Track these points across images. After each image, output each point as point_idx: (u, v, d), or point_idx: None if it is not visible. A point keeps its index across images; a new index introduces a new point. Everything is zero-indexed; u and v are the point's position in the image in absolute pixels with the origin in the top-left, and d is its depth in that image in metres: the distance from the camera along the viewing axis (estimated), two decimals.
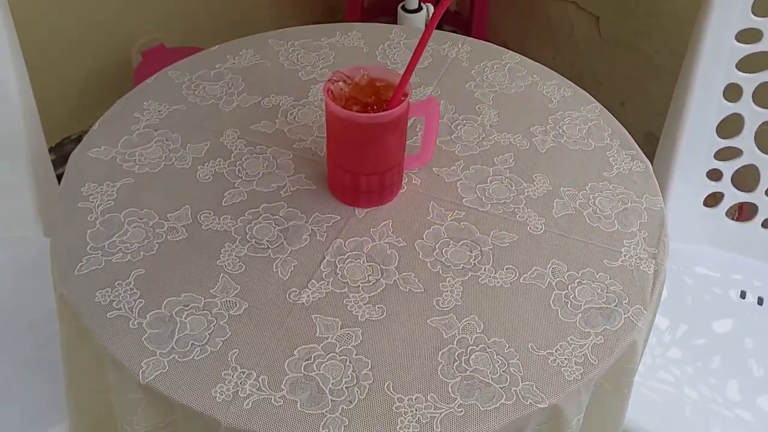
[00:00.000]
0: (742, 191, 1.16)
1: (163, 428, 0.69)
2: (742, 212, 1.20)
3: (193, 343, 0.67)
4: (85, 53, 1.57)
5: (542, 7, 1.64)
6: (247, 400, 0.63)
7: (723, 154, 1.14)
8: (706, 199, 1.18)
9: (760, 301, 1.14)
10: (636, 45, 1.55)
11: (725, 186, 1.16)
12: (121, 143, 0.85)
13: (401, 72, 0.73)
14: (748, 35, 1.05)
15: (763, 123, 1.10)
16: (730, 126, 1.12)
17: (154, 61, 1.55)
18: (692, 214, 1.18)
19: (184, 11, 1.66)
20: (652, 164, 0.88)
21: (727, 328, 1.10)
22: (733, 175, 1.15)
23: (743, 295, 1.14)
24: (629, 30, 1.56)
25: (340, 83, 0.74)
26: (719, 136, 1.12)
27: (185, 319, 0.69)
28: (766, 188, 1.14)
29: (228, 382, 0.64)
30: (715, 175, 1.16)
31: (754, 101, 1.09)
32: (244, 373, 0.65)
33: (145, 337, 0.67)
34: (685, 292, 1.13)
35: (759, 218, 1.17)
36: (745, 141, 1.12)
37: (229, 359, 0.66)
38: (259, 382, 0.65)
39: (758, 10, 1.03)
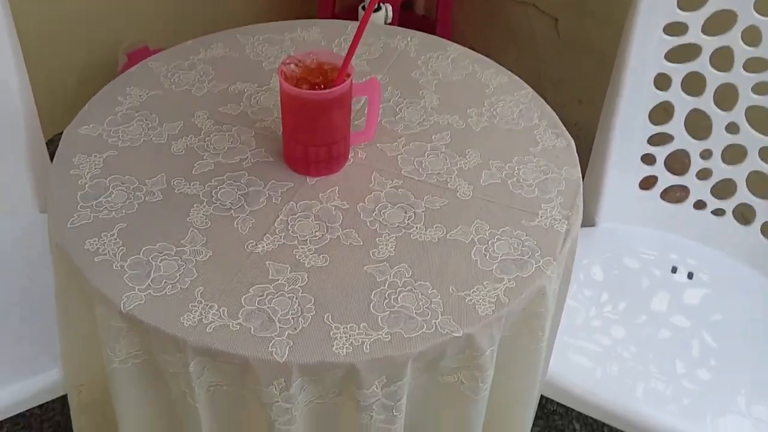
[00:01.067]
0: (676, 174, 1.28)
1: (141, 355, 0.81)
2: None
3: (165, 281, 0.79)
4: (75, 56, 1.70)
5: (503, 11, 1.76)
6: (210, 325, 0.76)
7: (656, 140, 1.26)
8: (641, 182, 1.30)
9: (691, 277, 1.25)
10: (593, 46, 1.67)
11: (659, 170, 1.28)
12: (107, 122, 0.97)
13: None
14: (674, 28, 1.17)
15: (691, 110, 1.22)
16: (661, 113, 1.24)
17: (139, 61, 1.68)
18: (629, 196, 1.29)
19: (167, 14, 1.79)
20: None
21: (660, 303, 1.21)
22: (666, 160, 1.27)
23: (674, 270, 1.25)
24: (586, 31, 1.68)
25: (292, 65, 0.87)
26: (651, 122, 1.24)
27: (159, 263, 0.81)
28: (696, 171, 1.26)
29: (194, 312, 0.76)
30: (649, 159, 1.28)
31: (682, 89, 1.21)
32: (207, 305, 0.77)
33: (126, 276, 0.79)
34: (624, 270, 1.25)
35: (690, 199, 1.29)
36: (675, 127, 1.24)
37: (195, 294, 0.78)
38: (220, 312, 0.77)
39: (684, 5, 1.15)
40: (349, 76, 0.86)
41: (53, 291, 0.91)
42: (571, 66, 1.71)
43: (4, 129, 1.17)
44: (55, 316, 0.93)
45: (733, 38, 1.15)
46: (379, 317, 0.78)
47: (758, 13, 1.12)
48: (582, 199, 0.93)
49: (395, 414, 0.80)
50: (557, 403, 1.32)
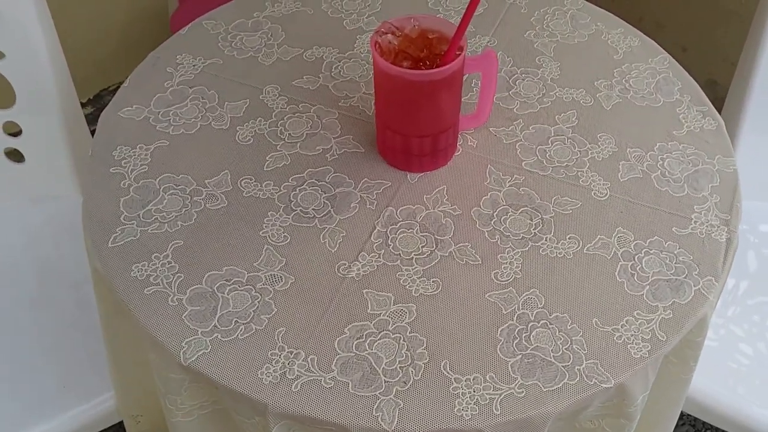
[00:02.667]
0: None
1: (209, 406, 0.67)
2: None
3: (236, 321, 0.63)
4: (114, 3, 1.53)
5: None
6: (296, 381, 0.60)
7: None
8: None
9: None
10: None
11: None
12: (154, 102, 0.80)
13: (456, 22, 0.67)
14: None
15: None
16: None
17: (191, 7, 1.49)
18: (763, 170, 1.10)
19: None
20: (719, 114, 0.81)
21: None
22: None
23: None
24: None
25: (389, 35, 0.68)
26: None
27: (227, 294, 0.65)
28: None
29: (275, 363, 0.61)
30: None
31: None
32: (291, 353, 0.61)
33: (185, 314, 0.64)
34: (749, 250, 1.06)
35: None
36: None
37: (275, 338, 0.62)
38: (307, 362, 0.61)
39: None
40: (461, 50, 0.67)
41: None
42: (675, 8, 1.49)
43: (34, 101, 1.01)
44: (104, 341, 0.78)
45: None
46: (509, 363, 0.62)
47: None
48: (741, 197, 0.75)
49: None
50: None
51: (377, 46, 0.68)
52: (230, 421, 0.66)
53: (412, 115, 0.70)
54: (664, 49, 0.87)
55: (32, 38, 0.98)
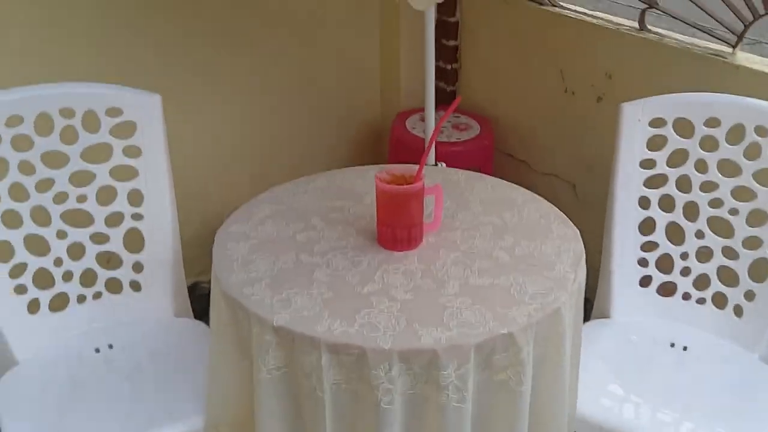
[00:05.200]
0: (665, 273, 1.65)
1: (282, 368, 1.16)
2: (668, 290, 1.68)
3: (303, 309, 1.17)
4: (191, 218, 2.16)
5: (531, 181, 2.22)
6: (336, 330, 1.12)
7: (647, 247, 1.65)
8: (640, 281, 1.67)
9: (685, 349, 1.58)
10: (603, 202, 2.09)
11: (652, 270, 1.66)
12: (249, 223, 1.40)
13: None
14: (647, 164, 1.61)
15: (669, 222, 1.62)
16: (648, 227, 1.64)
17: None
18: (632, 293, 1.66)
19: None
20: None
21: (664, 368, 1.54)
22: (656, 262, 1.65)
23: (672, 345, 1.59)
24: (599, 192, 2.10)
25: (385, 174, 1.30)
26: (641, 234, 1.64)
27: (296, 299, 1.19)
28: (679, 269, 1.64)
29: (324, 324, 1.13)
30: (643, 263, 1.66)
31: (659, 208, 1.62)
32: (333, 320, 1.14)
33: (274, 307, 1.17)
34: (634, 346, 1.58)
35: (678, 292, 1.65)
36: (659, 236, 1.63)
37: (324, 316, 1.15)
38: (341, 323, 1.13)
39: (651, 146, 1.60)
40: (422, 178, 1.29)
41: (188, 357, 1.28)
42: (588, 219, 2.12)
43: (154, 252, 1.61)
44: (207, 367, 1.29)
45: (688, 168, 1.58)
46: (450, 324, 1.14)
47: (702, 149, 1.56)
48: (585, 262, 1.31)
49: (464, 395, 1.12)
50: None
51: (378, 179, 1.30)
52: (294, 379, 1.15)
53: (397, 214, 1.29)
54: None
55: (164, 209, 1.60)
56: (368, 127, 2.52)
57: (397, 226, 1.30)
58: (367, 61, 2.48)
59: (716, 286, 1.61)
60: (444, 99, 2.39)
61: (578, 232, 1.39)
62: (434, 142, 1.30)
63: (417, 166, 1.30)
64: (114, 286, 1.62)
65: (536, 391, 1.21)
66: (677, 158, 1.59)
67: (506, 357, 1.15)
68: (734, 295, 1.59)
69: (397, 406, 1.13)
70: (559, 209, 1.46)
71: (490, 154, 2.29)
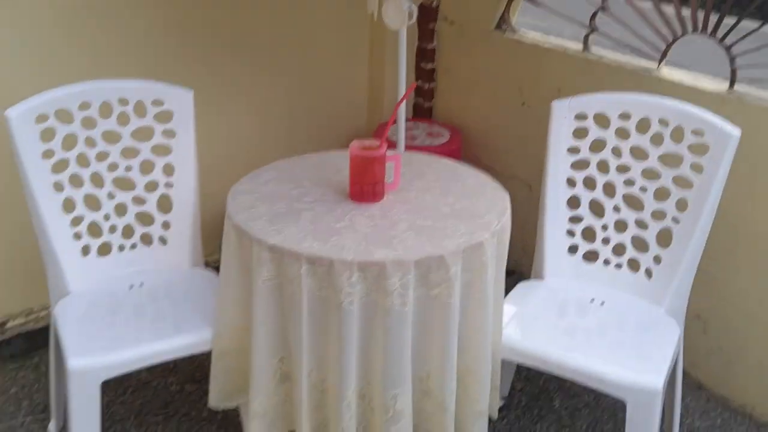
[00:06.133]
0: (589, 242, 2.04)
1: (273, 279, 1.56)
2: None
3: (291, 235, 1.58)
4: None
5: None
6: (314, 246, 1.53)
7: (573, 220, 2.04)
8: (568, 249, 2.05)
9: (602, 303, 1.96)
10: None
11: (578, 240, 2.05)
12: (255, 183, 1.82)
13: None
14: (572, 150, 2.01)
15: (591, 199, 2.02)
16: (573, 203, 2.04)
17: None
18: (562, 259, 2.05)
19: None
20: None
21: (583, 315, 1.92)
22: (582, 233, 2.04)
23: (592, 300, 1.97)
24: None
25: (357, 142, 1.72)
26: (569, 209, 2.04)
27: (286, 228, 1.60)
28: (601, 239, 2.03)
29: (307, 243, 1.54)
30: (571, 233, 2.05)
31: (584, 186, 2.02)
32: (314, 242, 1.55)
33: (269, 233, 1.58)
34: (561, 301, 1.97)
35: (600, 259, 2.03)
36: (583, 211, 2.03)
37: (308, 239, 1.56)
38: (318, 244, 1.54)
39: (576, 135, 2.00)
40: (384, 146, 1.71)
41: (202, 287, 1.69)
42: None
43: (179, 212, 2.03)
44: (217, 288, 1.70)
45: (606, 153, 1.99)
46: (397, 247, 1.54)
47: (617, 138, 1.97)
48: (510, 217, 1.71)
49: (406, 301, 1.52)
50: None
51: (352, 147, 1.71)
52: (281, 287, 1.56)
53: (365, 173, 1.71)
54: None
55: (190, 180, 2.03)
56: (355, 133, 2.96)
57: (364, 183, 1.72)
58: (356, 80, 2.95)
59: (630, 252, 2.00)
60: (422, 113, 2.84)
61: (507, 195, 1.79)
62: (396, 112, 1.75)
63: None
64: (146, 239, 2.04)
65: (464, 309, 1.61)
66: (597, 146, 1.99)
67: (438, 275, 1.55)
68: (645, 259, 1.97)
69: (356, 308, 1.53)
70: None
71: (457, 158, 2.70)
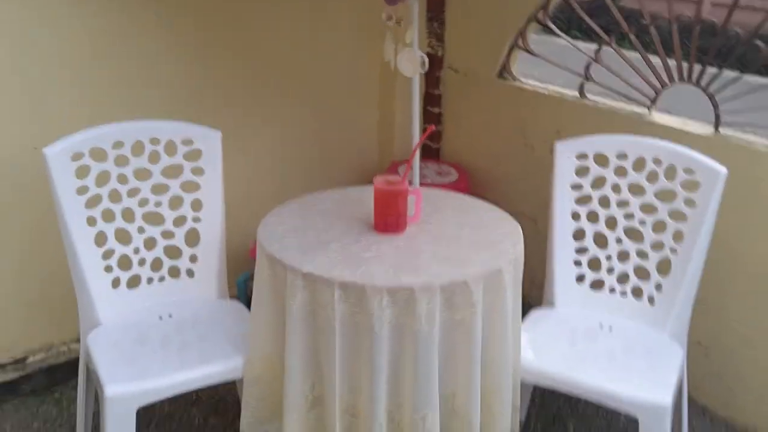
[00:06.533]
0: (595, 271, 2.17)
1: (307, 306, 1.66)
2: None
3: (323, 264, 1.69)
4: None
5: None
6: (344, 274, 1.64)
7: (579, 252, 2.17)
8: (576, 278, 2.18)
9: (610, 329, 2.07)
10: None
11: (585, 269, 2.17)
12: (282, 216, 1.93)
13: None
14: (576, 187, 2.15)
15: (595, 232, 2.15)
16: (579, 235, 2.17)
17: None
18: (570, 287, 2.17)
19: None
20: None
21: (593, 341, 2.04)
22: (588, 263, 2.17)
23: (601, 326, 2.08)
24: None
25: (381, 178, 1.85)
26: (575, 240, 2.17)
27: (317, 259, 1.71)
28: (606, 268, 2.15)
29: (338, 270, 1.65)
30: (578, 263, 2.18)
31: (587, 220, 2.15)
32: (345, 270, 1.66)
33: (302, 262, 1.69)
34: (572, 327, 2.08)
35: (606, 287, 2.16)
36: (588, 242, 2.16)
37: (337, 266, 1.67)
38: (349, 271, 1.65)
39: (579, 173, 2.14)
40: (406, 181, 1.83)
41: (222, 319, 1.79)
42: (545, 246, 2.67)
43: (207, 246, 2.14)
44: (250, 315, 1.80)
45: (606, 190, 2.13)
46: (423, 274, 1.66)
47: (616, 176, 2.11)
48: (523, 246, 1.84)
49: (433, 324, 1.62)
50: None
51: (376, 182, 1.84)
52: (315, 312, 1.66)
53: (389, 207, 1.83)
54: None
55: (216, 215, 2.14)
56: (368, 172, 3.10)
57: (388, 215, 1.84)
58: (367, 122, 3.10)
59: (633, 281, 2.12)
60: (430, 154, 2.98)
61: (519, 226, 1.92)
62: (416, 152, 1.88)
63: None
64: (174, 272, 2.14)
65: (486, 331, 1.72)
66: (598, 182, 2.14)
67: (462, 299, 1.66)
68: (647, 287, 2.10)
69: (386, 332, 1.63)
70: (524, 239, 1.92)
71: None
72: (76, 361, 2.53)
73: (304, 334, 1.70)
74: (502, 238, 1.85)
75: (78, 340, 2.54)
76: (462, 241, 1.83)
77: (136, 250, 2.09)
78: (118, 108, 2.39)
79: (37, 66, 2.26)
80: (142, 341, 1.96)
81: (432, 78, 2.98)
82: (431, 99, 3.01)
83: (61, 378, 2.53)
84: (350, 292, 1.63)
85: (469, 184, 2.85)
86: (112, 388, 1.77)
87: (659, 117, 2.42)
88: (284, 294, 1.70)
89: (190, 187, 2.12)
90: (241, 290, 2.76)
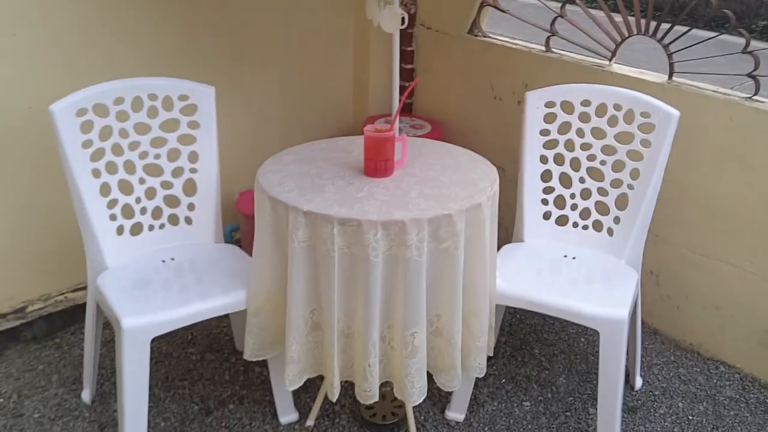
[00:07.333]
0: (560, 209, 2.39)
1: (308, 241, 1.84)
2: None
3: (322, 202, 1.86)
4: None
5: None
6: (342, 210, 1.82)
7: (546, 191, 2.39)
8: (543, 215, 2.40)
9: (574, 258, 2.30)
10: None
11: (551, 207, 2.39)
12: (278, 165, 2.10)
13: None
14: (544, 132, 2.36)
15: (561, 173, 2.36)
16: (546, 176, 2.38)
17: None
18: (538, 224, 2.39)
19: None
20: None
21: (558, 267, 2.26)
22: (554, 201, 2.38)
23: (565, 256, 2.31)
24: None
25: (370, 127, 2.02)
26: (542, 181, 2.38)
27: (315, 198, 1.88)
28: (570, 206, 2.37)
29: (335, 209, 1.83)
30: (544, 202, 2.39)
31: (554, 162, 2.36)
32: (341, 208, 1.84)
33: (303, 201, 1.86)
34: (540, 257, 2.30)
35: (569, 223, 2.38)
36: (554, 183, 2.37)
37: (334, 204, 1.85)
38: (345, 209, 1.83)
39: (547, 120, 2.34)
40: (393, 129, 2.01)
41: (229, 259, 1.96)
42: (512, 192, 2.88)
43: (203, 195, 2.29)
44: (252, 254, 1.97)
45: (571, 134, 2.34)
46: (412, 209, 1.84)
47: (580, 121, 2.32)
48: (498, 185, 2.04)
49: (422, 253, 1.82)
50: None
51: (366, 129, 2.01)
52: (314, 248, 1.84)
53: (377, 151, 2.00)
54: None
55: (212, 166, 2.29)
56: (345, 126, 3.26)
57: (377, 160, 2.02)
58: (343, 79, 3.26)
59: (594, 215, 2.35)
60: (404, 109, 3.15)
61: (495, 168, 2.12)
62: (403, 102, 2.06)
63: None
64: (173, 219, 2.29)
65: (467, 259, 1.92)
66: (564, 128, 2.34)
67: (447, 231, 1.85)
68: (607, 221, 2.33)
69: (380, 261, 1.82)
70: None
71: None
72: (74, 309, 2.70)
73: (305, 266, 1.88)
74: (480, 178, 2.04)
75: (74, 290, 2.71)
76: (444, 181, 2.02)
77: (138, 200, 2.23)
78: (118, 67, 2.52)
79: (28, 29, 2.37)
80: (149, 281, 2.12)
81: (405, 35, 3.13)
82: (404, 55, 3.17)
83: (60, 324, 2.68)
84: (347, 227, 1.81)
85: (441, 136, 3.04)
86: (128, 321, 1.94)
87: (618, 68, 2.63)
88: (286, 232, 1.88)
89: (187, 140, 2.27)
90: (228, 241, 2.91)
